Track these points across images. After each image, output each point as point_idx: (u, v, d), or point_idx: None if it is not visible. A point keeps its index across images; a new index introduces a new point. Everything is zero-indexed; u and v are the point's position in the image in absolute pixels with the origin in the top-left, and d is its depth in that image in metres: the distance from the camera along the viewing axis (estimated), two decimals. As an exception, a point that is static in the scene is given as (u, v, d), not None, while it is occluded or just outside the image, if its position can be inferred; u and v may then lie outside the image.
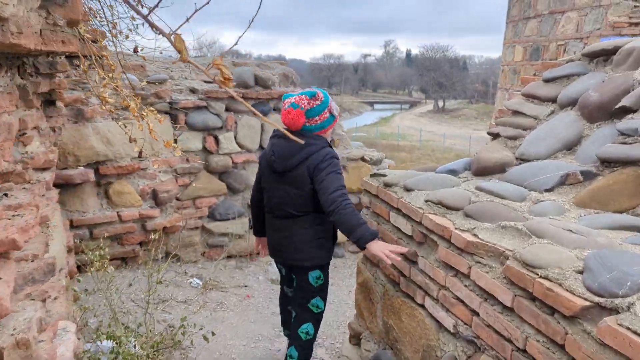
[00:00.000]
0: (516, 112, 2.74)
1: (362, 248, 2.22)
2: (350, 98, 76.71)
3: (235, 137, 4.01)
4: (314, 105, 2.33)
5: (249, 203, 2.82)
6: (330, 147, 2.45)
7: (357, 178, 4.44)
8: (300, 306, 2.52)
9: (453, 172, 2.53)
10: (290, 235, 2.42)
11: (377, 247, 2.13)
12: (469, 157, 2.70)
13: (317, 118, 2.36)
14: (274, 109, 4.14)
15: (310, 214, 2.39)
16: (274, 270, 4.04)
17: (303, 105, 2.30)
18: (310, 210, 2.38)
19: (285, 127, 2.34)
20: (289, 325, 2.62)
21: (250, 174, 4.10)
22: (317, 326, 2.55)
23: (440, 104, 60.41)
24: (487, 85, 67.15)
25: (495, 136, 2.71)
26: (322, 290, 2.52)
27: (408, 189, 2.30)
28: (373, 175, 2.69)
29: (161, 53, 3.66)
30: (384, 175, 2.59)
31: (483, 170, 2.41)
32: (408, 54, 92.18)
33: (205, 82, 3.99)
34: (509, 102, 2.85)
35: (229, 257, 4.09)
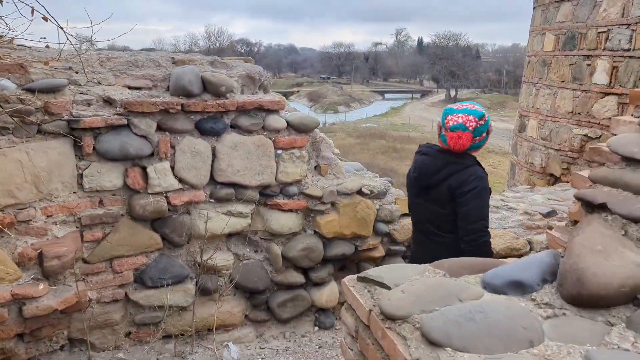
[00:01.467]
0: (634, 161, 1.47)
1: None
2: (360, 87, 75.23)
3: (172, 169, 2.77)
4: (479, 125, 2.28)
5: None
6: (479, 164, 2.35)
7: (352, 218, 3.19)
8: None
9: (520, 286, 1.29)
10: (429, 254, 2.17)
11: None
12: (548, 250, 1.44)
13: (477, 138, 2.31)
14: (232, 127, 2.89)
15: (453, 235, 2.31)
16: (230, 358, 2.83)
17: (471, 127, 2.25)
18: (449, 231, 2.32)
19: (445, 146, 2.32)
20: None
21: (198, 220, 2.87)
22: None
23: (452, 93, 58.86)
24: (500, 74, 65.32)
25: (591, 207, 1.45)
26: None
27: (432, 342, 1.07)
28: (363, 280, 1.46)
29: (47, 47, 2.43)
30: (383, 285, 1.37)
31: (590, 299, 1.15)
32: (420, 42, 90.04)
33: (131, 87, 2.75)
34: (616, 141, 1.57)
35: (166, 337, 2.88)
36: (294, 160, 3.01)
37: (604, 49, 7.43)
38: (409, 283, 1.34)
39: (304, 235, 3.16)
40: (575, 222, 1.59)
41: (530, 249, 3.86)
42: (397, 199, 3.41)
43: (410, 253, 2.60)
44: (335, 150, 3.33)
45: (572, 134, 8.03)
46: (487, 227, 2.23)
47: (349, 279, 1.47)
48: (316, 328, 3.25)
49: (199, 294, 2.85)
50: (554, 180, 8.47)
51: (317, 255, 3.13)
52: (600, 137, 7.47)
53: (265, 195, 3.03)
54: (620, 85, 7.18)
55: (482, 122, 2.27)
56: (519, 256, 3.84)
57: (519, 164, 9.55)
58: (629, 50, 6.96)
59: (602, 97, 7.49)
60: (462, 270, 1.41)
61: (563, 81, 8.27)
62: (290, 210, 3.07)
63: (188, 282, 2.90)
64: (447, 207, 2.29)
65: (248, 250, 3.10)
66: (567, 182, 7.09)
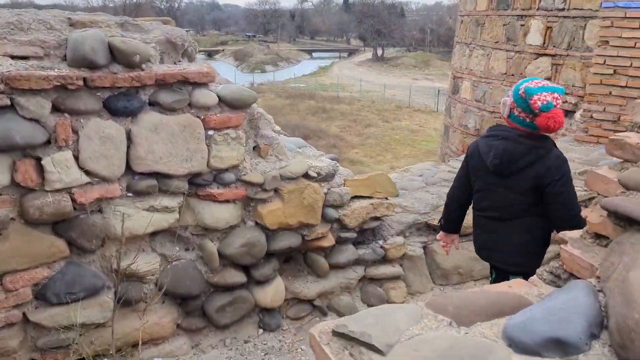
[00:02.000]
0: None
1: None
2: (287, 46, 73.65)
3: (76, 159, 2.22)
4: (561, 103, 2.16)
5: (447, 199, 2.67)
6: (556, 147, 2.27)
7: (299, 206, 2.79)
8: None
9: (561, 345, 0.94)
10: (503, 238, 2.34)
11: None
12: (580, 283, 1.11)
13: None
14: (151, 105, 2.36)
15: (526, 219, 2.28)
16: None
17: (558, 104, 2.13)
18: (527, 215, 2.28)
19: (535, 128, 2.18)
20: None
21: (113, 219, 2.35)
22: None
23: (379, 52, 58.94)
24: (424, 32, 66.04)
25: (628, 222, 1.14)
26: None
27: None
28: (341, 336, 1.07)
29: None
30: (371, 347, 0.99)
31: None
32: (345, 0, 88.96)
33: (15, 57, 2.14)
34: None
35: (82, 360, 2.40)
36: (228, 142, 2.54)
37: (538, 9, 7.33)
38: (407, 345, 0.97)
39: (244, 228, 2.73)
40: (597, 236, 1.27)
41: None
42: (346, 180, 3.04)
43: (477, 241, 2.51)
44: (275, 127, 2.87)
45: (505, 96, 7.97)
46: (581, 211, 2.12)
47: (321, 332, 1.07)
48: (261, 331, 2.87)
49: (118, 306, 2.37)
50: (488, 142, 8.46)
51: (259, 250, 2.72)
52: (533, 99, 7.46)
53: (196, 184, 2.55)
54: (554, 46, 7.14)
55: (562, 98, 2.17)
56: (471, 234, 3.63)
57: (453, 126, 9.50)
58: (563, 9, 6.89)
59: (536, 58, 7.43)
60: (474, 316, 1.05)
61: (497, 42, 8.16)
62: (227, 201, 2.62)
63: (104, 293, 2.40)
64: (528, 194, 2.22)
65: (177, 249, 2.64)
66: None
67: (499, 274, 2.42)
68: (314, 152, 3.13)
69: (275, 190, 2.74)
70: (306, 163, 2.84)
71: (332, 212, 2.94)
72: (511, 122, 2.25)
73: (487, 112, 8.32)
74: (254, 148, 2.75)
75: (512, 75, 7.80)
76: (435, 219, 3.50)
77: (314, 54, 68.35)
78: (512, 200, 2.26)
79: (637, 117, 1.38)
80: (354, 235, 3.08)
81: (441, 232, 2.75)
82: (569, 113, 6.93)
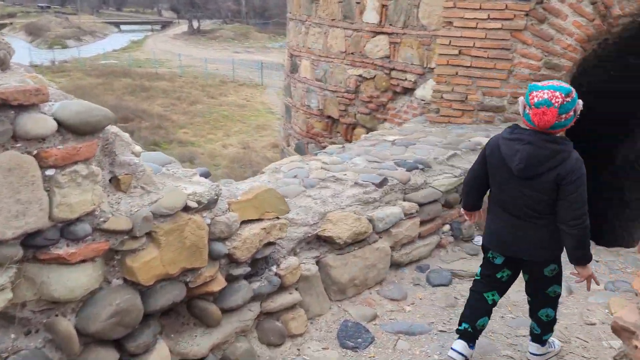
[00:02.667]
0: None
1: (579, 264, 2.40)
2: (89, 18, 66.53)
3: None
4: (566, 102, 2.25)
5: (464, 183, 2.84)
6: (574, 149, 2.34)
7: (180, 248, 2.18)
8: (536, 293, 2.64)
9: None
10: (526, 235, 2.44)
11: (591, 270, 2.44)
12: None
13: (563, 115, 2.26)
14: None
15: (545, 217, 2.39)
16: None
17: (557, 103, 2.22)
18: (546, 214, 2.38)
19: (534, 124, 2.27)
20: (475, 317, 2.66)
21: None
22: (555, 308, 2.68)
23: (195, 25, 56.59)
24: (239, 3, 65.05)
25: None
26: (557, 278, 2.60)
27: None
28: None
29: None
30: None
31: None
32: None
33: None
34: None
35: None
36: (78, 182, 1.81)
37: (372, -13, 7.34)
38: None
39: (110, 292, 2.03)
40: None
41: (373, 229, 3.40)
42: (231, 203, 2.49)
43: (493, 233, 2.60)
44: (136, 148, 2.19)
45: (346, 74, 7.92)
46: (587, 213, 2.32)
47: None
48: (144, 414, 2.23)
49: None
50: (332, 122, 8.41)
51: (135, 317, 2.06)
52: (374, 77, 7.51)
53: (35, 246, 1.79)
54: (390, 24, 7.19)
55: (568, 99, 2.25)
56: (363, 240, 3.35)
57: (295, 107, 9.25)
58: (397, -12, 6.98)
59: (374, 37, 7.44)
60: None
61: (334, 19, 8.01)
62: (83, 261, 1.90)
63: None
64: (550, 194, 2.33)
65: (14, 336, 1.85)
66: (374, 131, 6.95)
67: (507, 261, 2.61)
68: (184, 171, 2.50)
69: (148, 234, 2.09)
70: (183, 192, 2.22)
71: (219, 247, 2.38)
72: (524, 119, 2.35)
73: (330, 92, 8.21)
74: (110, 180, 2.04)
75: (352, 53, 7.75)
76: (325, 229, 3.15)
77: (123, 27, 62.95)
78: (536, 200, 2.37)
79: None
80: (247, 269, 2.56)
81: (464, 210, 2.88)
82: (408, 91, 7.11)
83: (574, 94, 2.29)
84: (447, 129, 5.08)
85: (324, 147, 8.57)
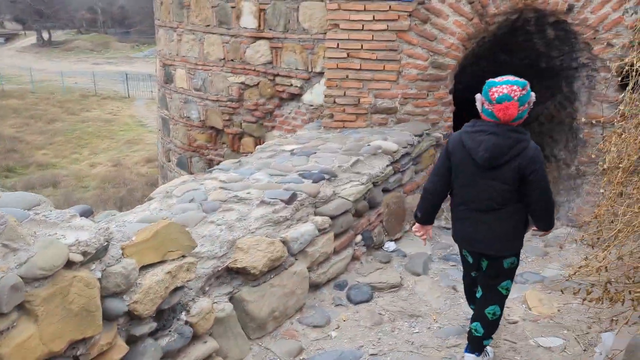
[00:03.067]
0: None
1: (549, 230, 2.66)
2: None
3: None
4: (523, 94, 2.37)
5: (426, 192, 2.78)
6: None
7: (65, 318, 1.69)
8: (489, 288, 2.68)
9: None
10: (491, 227, 2.52)
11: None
12: None
13: (521, 107, 2.39)
14: None
15: (511, 206, 2.49)
16: None
17: (516, 96, 2.34)
18: (511, 203, 2.48)
19: (496, 119, 2.39)
20: (474, 300, 2.80)
21: None
22: (502, 307, 2.70)
23: (45, 36, 51.88)
24: (94, 12, 60.79)
25: None
26: (512, 272, 2.71)
27: None
28: None
29: None
30: None
31: None
32: (-13, -28, 74.53)
33: None
34: None
35: None
36: None
37: (247, -10, 7.00)
38: None
39: (-31, 394, 1.49)
40: None
41: (288, 251, 3.09)
42: (126, 247, 2.02)
43: (461, 233, 2.67)
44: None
45: (228, 82, 7.50)
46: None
47: None
48: None
49: None
50: (216, 133, 7.93)
51: (9, 420, 1.54)
52: (258, 84, 7.19)
53: None
54: (270, 29, 6.92)
55: (524, 91, 2.37)
56: (279, 266, 3.02)
57: (173, 119, 8.58)
58: (274, -9, 6.72)
59: (254, 42, 7.11)
60: None
61: (208, 25, 7.53)
62: None
63: None
64: (512, 183, 2.43)
65: None
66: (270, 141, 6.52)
67: (478, 258, 2.69)
68: (60, 214, 1.98)
69: (20, 307, 1.57)
70: (62, 243, 1.72)
71: (116, 305, 1.91)
72: (483, 115, 2.46)
73: (211, 101, 7.73)
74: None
75: (232, 60, 7.35)
76: (236, 259, 2.77)
77: (-43, 40, 55.66)
78: (499, 190, 2.46)
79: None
80: (153, 324, 2.11)
81: (417, 225, 2.86)
82: (295, 97, 6.90)
83: (528, 86, 2.41)
84: (343, 134, 4.91)
85: (210, 160, 8.07)
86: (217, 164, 8.19)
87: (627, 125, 3.10)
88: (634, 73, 4.18)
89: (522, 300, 3.42)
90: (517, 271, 3.85)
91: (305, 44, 6.56)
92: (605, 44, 4.57)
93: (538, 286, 3.64)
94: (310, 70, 6.57)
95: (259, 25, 6.99)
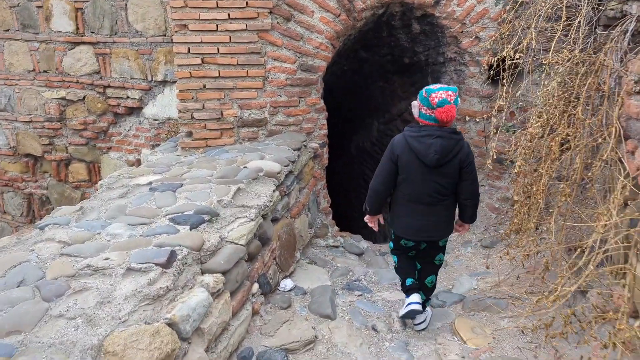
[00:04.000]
0: None
1: (472, 222, 3.08)
2: None
3: None
4: (456, 98, 2.72)
5: (375, 193, 2.98)
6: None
7: None
8: (428, 262, 3.14)
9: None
10: (438, 218, 2.91)
11: None
12: None
13: (456, 109, 2.75)
14: None
15: (450, 197, 2.90)
16: None
17: (452, 100, 2.69)
18: (451, 194, 2.88)
19: (436, 121, 2.72)
20: (413, 275, 3.13)
21: None
22: (437, 275, 3.18)
23: None
24: None
25: None
26: (444, 248, 3.16)
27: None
28: None
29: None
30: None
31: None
32: None
33: None
34: None
35: None
36: None
37: (55, -15, 5.69)
38: None
39: None
40: None
41: (179, 335, 2.28)
42: None
43: (409, 226, 2.96)
44: None
45: (43, 98, 6.11)
46: None
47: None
48: None
49: None
50: (34, 161, 6.44)
51: None
52: (84, 98, 5.96)
53: None
54: (93, 32, 5.74)
55: (456, 95, 2.73)
56: (172, 360, 2.19)
57: (-29, 149, 6.81)
58: (93, -14, 5.54)
59: (72, 48, 5.85)
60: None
61: (8, 30, 6.03)
62: None
63: None
64: (453, 177, 2.82)
65: None
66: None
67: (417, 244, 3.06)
68: None
69: None
70: None
71: None
72: (421, 119, 2.79)
73: (22, 123, 6.24)
74: None
75: (45, 71, 5.97)
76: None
77: None
78: (444, 184, 2.81)
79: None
80: None
81: (368, 216, 3.10)
82: (135, 110, 5.84)
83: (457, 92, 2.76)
84: (210, 156, 4.11)
85: (30, 195, 6.55)
86: (40, 198, 6.73)
87: (535, 129, 2.87)
88: (506, 66, 4.08)
89: (452, 330, 3.04)
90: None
91: (141, 48, 5.56)
92: (473, 37, 4.45)
93: (459, 308, 3.31)
94: (150, 79, 5.59)
95: (78, 28, 5.76)
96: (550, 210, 2.85)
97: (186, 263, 2.54)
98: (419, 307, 2.98)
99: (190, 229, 2.80)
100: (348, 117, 7.76)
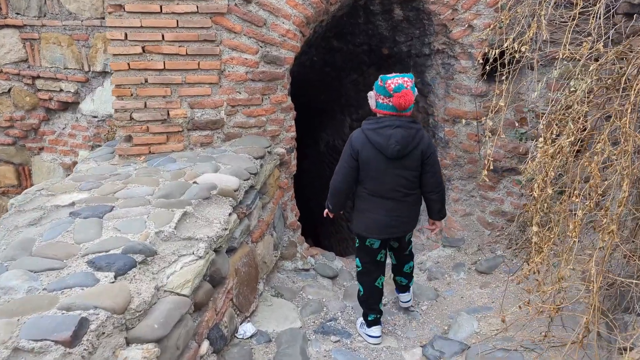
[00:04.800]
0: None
1: (441, 219, 3.01)
2: None
3: None
4: (413, 85, 2.66)
5: (337, 191, 2.89)
6: None
7: None
8: (402, 255, 3.14)
9: None
10: (406, 213, 2.85)
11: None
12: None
13: (414, 95, 2.67)
14: None
15: (417, 191, 2.84)
16: None
17: (409, 86, 2.62)
18: (416, 188, 2.82)
19: (395, 109, 2.65)
20: (377, 304, 3.02)
21: None
22: (412, 260, 3.21)
23: None
24: None
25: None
26: (411, 241, 3.17)
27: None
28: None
29: None
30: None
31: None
32: None
33: None
34: None
35: None
36: None
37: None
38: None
39: None
40: None
41: None
42: None
43: (375, 223, 2.85)
44: None
45: (-41, 91, 5.19)
46: None
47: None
48: None
49: None
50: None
51: None
52: (9, 90, 5.09)
53: None
54: (18, 13, 4.86)
55: (412, 82, 2.66)
56: None
57: None
58: (15, -43, 4.66)
59: (-6, 32, 4.97)
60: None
61: None
62: None
63: None
64: (416, 169, 2.75)
65: None
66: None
67: (383, 242, 2.97)
68: None
69: None
70: None
71: None
72: (379, 109, 2.74)
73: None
74: None
75: (-41, 60, 5.06)
76: None
77: None
78: (408, 177, 2.76)
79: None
80: None
81: (328, 212, 3.04)
82: (70, 105, 5.01)
83: (413, 79, 2.68)
84: (152, 166, 3.37)
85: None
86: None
87: (560, 143, 2.26)
88: (506, 60, 3.48)
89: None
90: (427, 340, 2.94)
91: (75, 33, 4.72)
92: (465, 25, 3.83)
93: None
94: (87, 69, 4.77)
95: (0, 9, 4.87)
96: (588, 251, 2.25)
97: (103, 333, 1.83)
98: (378, 340, 2.97)
99: (115, 277, 2.09)
100: (317, 111, 7.08)
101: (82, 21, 4.65)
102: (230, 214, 2.81)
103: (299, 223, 4.25)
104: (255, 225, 3.28)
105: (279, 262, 3.81)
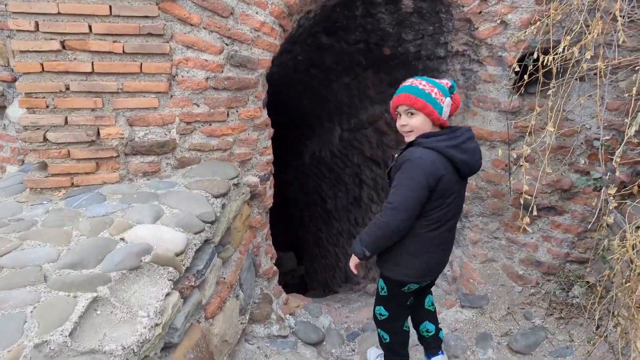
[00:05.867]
0: None
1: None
2: None
3: None
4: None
5: (395, 230, 2.12)
6: None
7: None
8: (424, 299, 2.65)
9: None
10: (449, 248, 2.37)
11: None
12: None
13: None
14: None
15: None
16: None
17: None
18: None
19: (446, 120, 2.18)
20: (406, 349, 2.60)
21: None
22: (432, 293, 2.74)
23: None
24: None
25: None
26: None
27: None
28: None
29: None
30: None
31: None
32: None
33: None
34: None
35: None
36: None
37: None
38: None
39: None
40: None
41: None
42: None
43: (428, 263, 2.26)
44: None
45: None
46: None
47: None
48: None
49: None
50: None
51: None
52: None
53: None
54: None
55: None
56: None
57: None
58: None
59: None
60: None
61: None
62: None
63: None
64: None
65: None
66: None
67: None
68: None
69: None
70: None
71: None
72: (443, 119, 2.16)
73: None
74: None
75: None
76: None
77: None
78: (464, 197, 2.34)
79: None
80: None
81: (356, 263, 2.33)
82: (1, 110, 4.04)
83: None
84: (70, 207, 2.44)
85: None
86: None
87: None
88: (553, 69, 2.61)
89: None
90: None
91: (-2, 20, 3.74)
92: (497, 21, 2.93)
93: None
94: (13, 66, 3.79)
95: None
96: None
97: None
98: None
99: None
100: (301, 118, 6.17)
101: (5, 5, 3.68)
102: (168, 295, 1.89)
103: (275, 269, 3.35)
104: (213, 294, 2.38)
105: (248, 328, 2.91)
